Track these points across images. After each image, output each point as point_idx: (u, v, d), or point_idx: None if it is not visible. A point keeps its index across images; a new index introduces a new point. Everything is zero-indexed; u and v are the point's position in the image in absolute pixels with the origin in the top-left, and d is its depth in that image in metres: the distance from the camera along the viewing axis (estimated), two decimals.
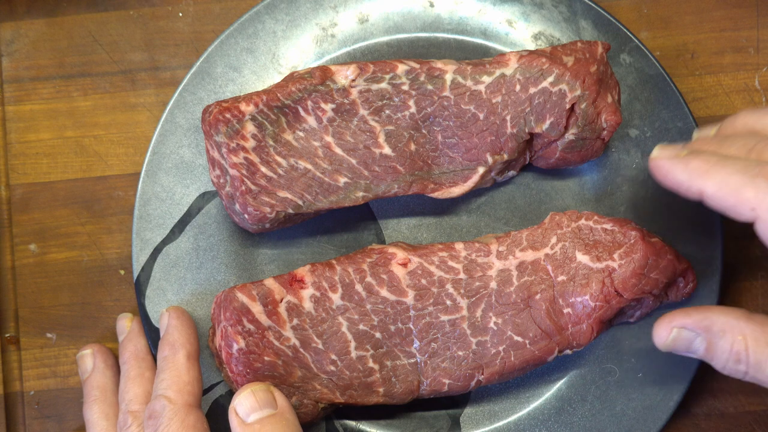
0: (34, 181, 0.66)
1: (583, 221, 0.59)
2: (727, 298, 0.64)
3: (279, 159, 0.59)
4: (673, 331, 0.54)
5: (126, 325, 0.62)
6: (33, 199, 0.66)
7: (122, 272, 0.65)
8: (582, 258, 0.58)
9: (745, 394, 0.64)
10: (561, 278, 0.58)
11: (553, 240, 0.59)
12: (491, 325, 0.59)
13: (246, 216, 0.59)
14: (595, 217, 0.59)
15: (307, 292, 0.58)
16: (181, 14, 0.67)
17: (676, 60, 0.66)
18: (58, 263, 0.65)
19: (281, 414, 0.54)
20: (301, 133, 0.59)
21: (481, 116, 0.60)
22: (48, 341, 0.65)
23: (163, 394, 0.55)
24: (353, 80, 0.59)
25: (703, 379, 0.64)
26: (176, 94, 0.63)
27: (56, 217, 0.66)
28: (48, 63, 0.66)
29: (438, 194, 0.61)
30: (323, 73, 0.59)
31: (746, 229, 0.64)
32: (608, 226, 0.58)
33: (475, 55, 0.63)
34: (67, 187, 0.66)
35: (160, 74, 0.66)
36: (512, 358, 0.58)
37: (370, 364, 0.58)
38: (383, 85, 0.59)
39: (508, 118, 0.59)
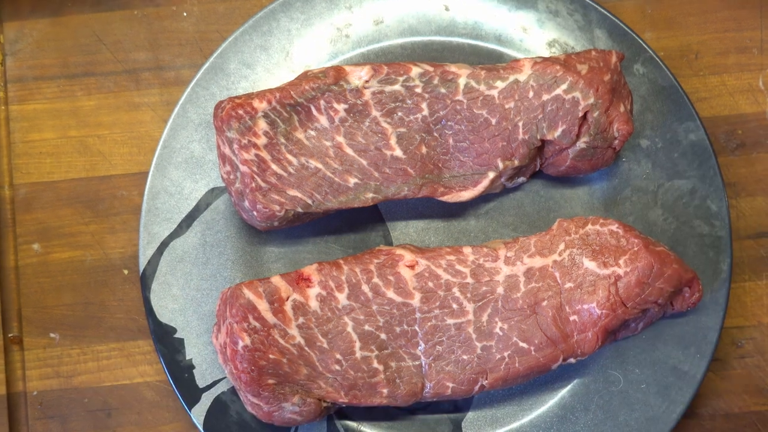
0: (38, 180, 0.66)
1: (590, 226, 0.59)
2: (732, 299, 0.64)
3: (290, 157, 0.59)
4: None
5: None
6: (36, 198, 0.65)
7: (126, 272, 0.65)
8: (589, 264, 0.58)
9: (750, 394, 0.64)
10: (568, 285, 0.58)
11: (561, 246, 0.59)
12: (497, 330, 0.58)
13: (255, 213, 0.58)
14: (601, 221, 0.59)
15: (314, 291, 0.58)
16: (185, 14, 0.67)
17: (680, 60, 0.66)
18: (62, 263, 0.65)
19: None
20: (312, 132, 0.59)
21: (494, 121, 0.59)
22: (51, 341, 0.65)
23: None
24: (367, 81, 0.59)
25: (708, 379, 0.64)
26: (188, 89, 0.63)
27: (59, 216, 0.65)
28: (52, 62, 0.66)
29: (447, 198, 0.61)
30: (337, 73, 0.59)
31: (751, 230, 0.65)
32: (614, 228, 0.58)
33: (489, 60, 0.63)
34: (71, 186, 0.65)
35: (164, 74, 0.66)
36: (517, 364, 0.58)
37: (375, 364, 0.58)
38: (396, 87, 0.59)
39: (520, 124, 0.59)
